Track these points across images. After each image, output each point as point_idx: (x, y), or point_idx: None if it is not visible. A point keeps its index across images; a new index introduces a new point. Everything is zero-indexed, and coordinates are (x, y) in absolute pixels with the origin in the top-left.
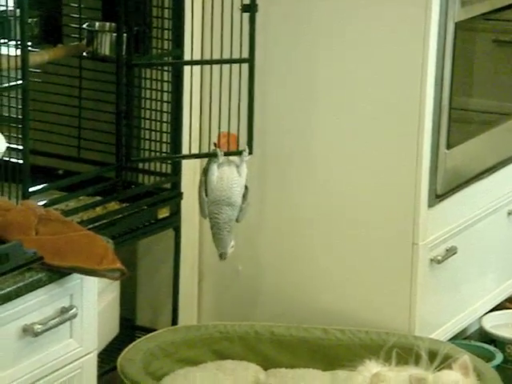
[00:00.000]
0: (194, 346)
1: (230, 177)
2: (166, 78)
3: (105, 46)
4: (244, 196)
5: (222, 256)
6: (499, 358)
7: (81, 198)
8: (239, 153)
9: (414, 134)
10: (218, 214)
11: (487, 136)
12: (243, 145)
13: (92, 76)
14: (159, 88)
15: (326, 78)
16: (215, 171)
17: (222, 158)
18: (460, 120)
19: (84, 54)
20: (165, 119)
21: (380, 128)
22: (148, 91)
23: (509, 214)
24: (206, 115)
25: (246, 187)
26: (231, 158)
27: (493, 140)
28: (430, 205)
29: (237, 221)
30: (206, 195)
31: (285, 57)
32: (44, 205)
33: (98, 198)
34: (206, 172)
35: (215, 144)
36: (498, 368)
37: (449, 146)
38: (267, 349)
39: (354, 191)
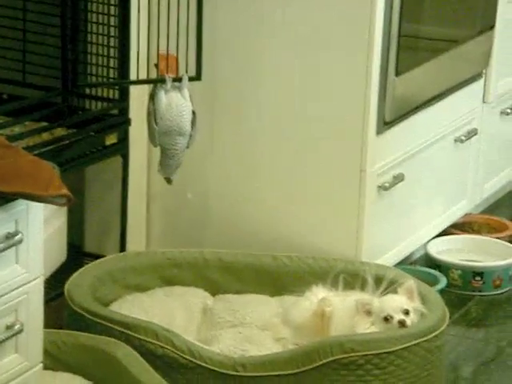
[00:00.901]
0: (142, 273)
1: (179, 103)
2: (112, 2)
3: None
4: (192, 122)
5: (169, 181)
6: (443, 282)
7: (26, 123)
8: (188, 79)
9: (363, 61)
10: (174, 145)
11: (435, 63)
12: (183, 66)
13: None
14: (106, 12)
15: (277, 2)
16: (163, 97)
17: (169, 84)
18: (409, 47)
19: None
20: (112, 44)
21: (329, 54)
22: (94, 15)
23: (455, 141)
24: (154, 40)
25: (194, 113)
26: (176, 83)
27: (441, 67)
28: (378, 132)
29: (187, 147)
30: (156, 124)
31: None
32: None
33: (44, 123)
34: (153, 99)
35: (156, 65)
36: (441, 292)
37: (398, 73)
38: (215, 275)
39: (302, 117)
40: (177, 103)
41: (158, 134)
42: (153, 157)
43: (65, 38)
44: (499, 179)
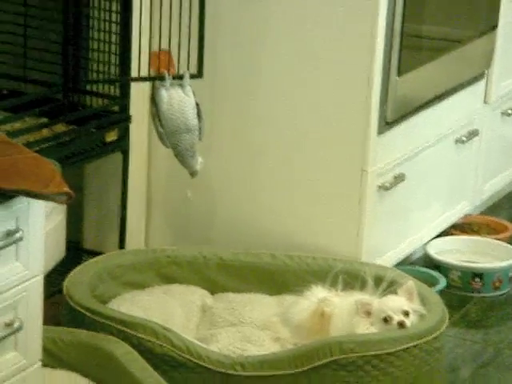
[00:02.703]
0: (142, 270)
1: (179, 100)
2: None
3: None
4: (198, 114)
5: (193, 174)
6: (443, 283)
7: (26, 119)
8: (190, 76)
9: (366, 61)
10: (178, 144)
11: (437, 63)
12: (185, 64)
13: None
14: (108, 8)
15: (280, 2)
16: (164, 98)
17: (169, 82)
18: (411, 47)
19: None
20: (113, 40)
21: (331, 54)
22: (96, 11)
23: (456, 141)
24: (155, 37)
25: (198, 104)
26: (177, 80)
27: (443, 67)
28: (380, 132)
29: (199, 139)
30: (162, 126)
31: None
32: None
33: (45, 119)
34: (154, 101)
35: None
36: (441, 293)
37: (400, 73)
38: (215, 273)
39: (304, 117)
40: (178, 101)
41: (165, 135)
42: (153, 154)
43: (66, 33)
44: (499, 180)
